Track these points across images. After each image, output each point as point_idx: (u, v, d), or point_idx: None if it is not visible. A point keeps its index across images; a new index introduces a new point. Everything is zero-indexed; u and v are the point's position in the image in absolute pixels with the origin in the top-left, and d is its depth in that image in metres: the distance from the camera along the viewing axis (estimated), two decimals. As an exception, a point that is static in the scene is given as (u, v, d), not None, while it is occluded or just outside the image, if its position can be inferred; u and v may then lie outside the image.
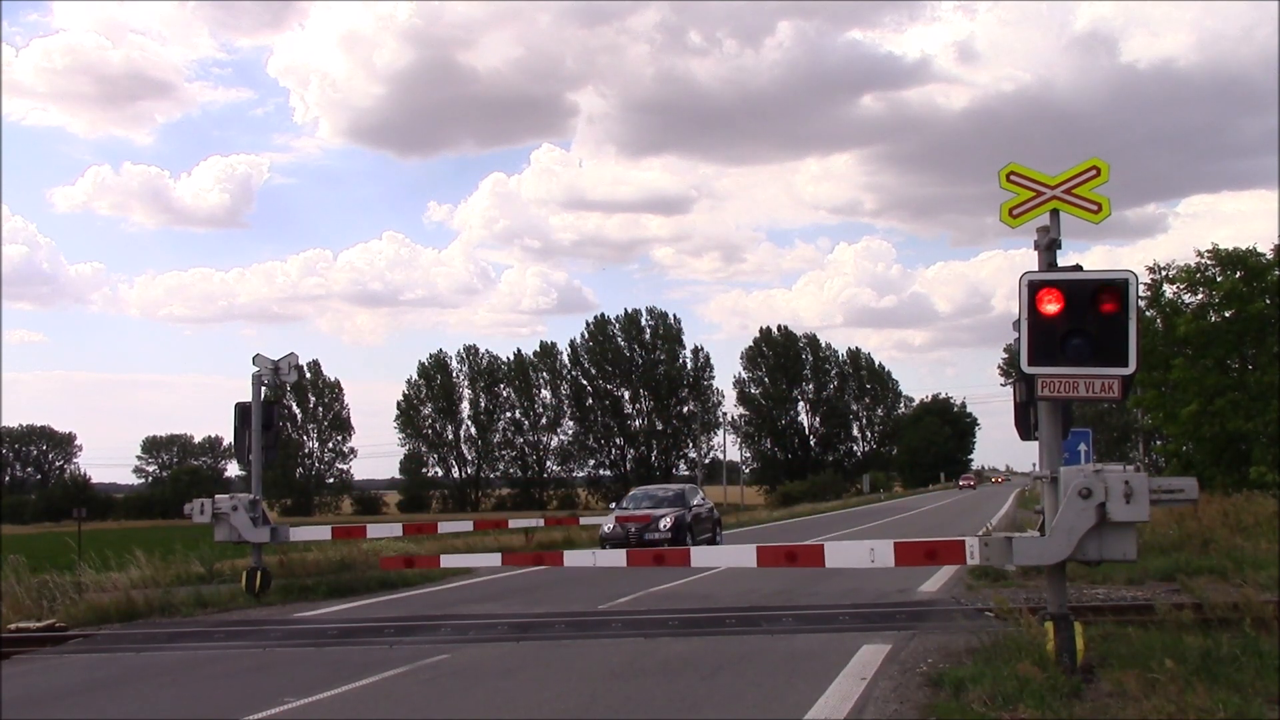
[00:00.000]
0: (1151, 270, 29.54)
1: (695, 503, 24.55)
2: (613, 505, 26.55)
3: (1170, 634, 8.42)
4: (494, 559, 13.93)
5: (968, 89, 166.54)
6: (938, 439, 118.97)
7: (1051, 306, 7.49)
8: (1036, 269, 7.82)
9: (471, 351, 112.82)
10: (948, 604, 12.52)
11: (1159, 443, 44.79)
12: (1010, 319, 7.75)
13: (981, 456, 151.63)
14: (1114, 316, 7.41)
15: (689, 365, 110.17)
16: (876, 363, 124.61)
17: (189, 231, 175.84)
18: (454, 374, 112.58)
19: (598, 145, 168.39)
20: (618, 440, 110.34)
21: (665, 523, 21.97)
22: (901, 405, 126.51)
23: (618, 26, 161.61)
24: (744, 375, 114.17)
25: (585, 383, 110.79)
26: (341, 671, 9.56)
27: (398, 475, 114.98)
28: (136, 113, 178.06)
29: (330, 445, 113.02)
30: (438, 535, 23.28)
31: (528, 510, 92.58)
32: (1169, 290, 29.59)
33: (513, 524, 26.50)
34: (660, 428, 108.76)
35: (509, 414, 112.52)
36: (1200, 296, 28.97)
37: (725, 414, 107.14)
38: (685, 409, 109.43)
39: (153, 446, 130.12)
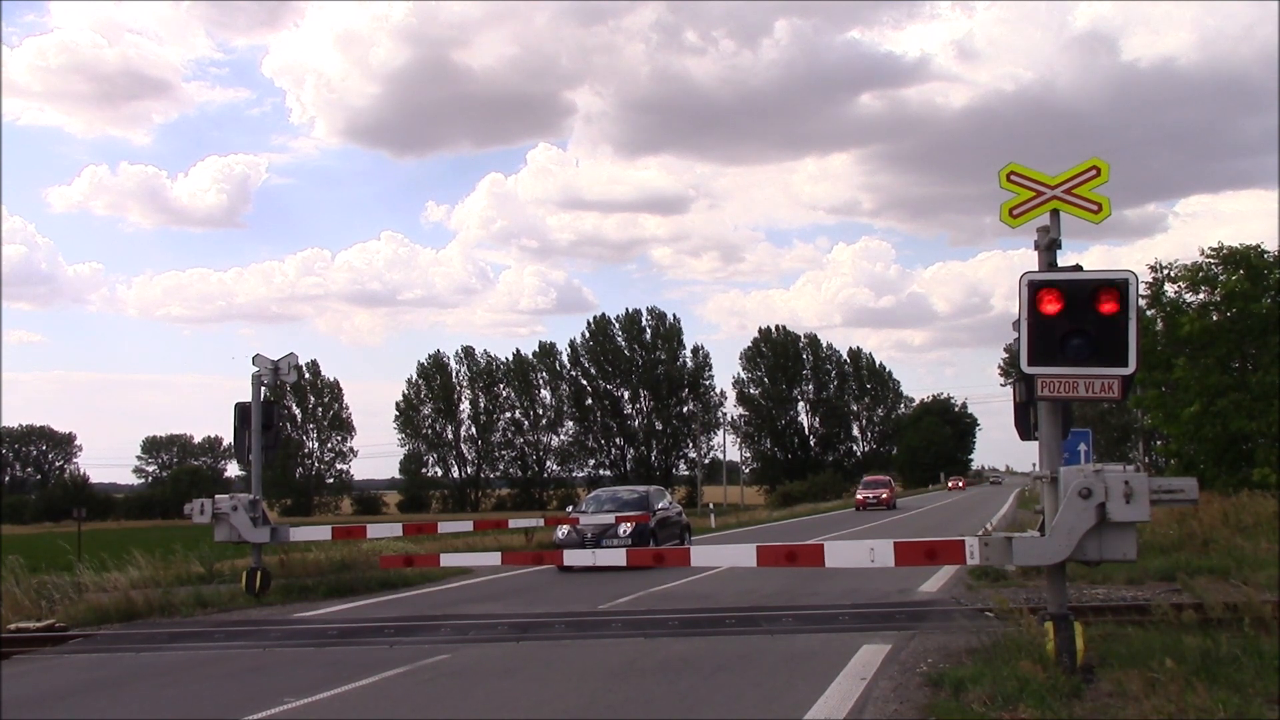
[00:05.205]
0: (1153, 269, 29.46)
1: (660, 506, 22.77)
2: (569, 508, 24.60)
3: (1170, 634, 8.42)
4: (494, 559, 13.91)
5: (967, 88, 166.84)
6: (938, 439, 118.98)
7: (1051, 306, 7.49)
8: (1036, 269, 7.82)
9: (469, 352, 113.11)
10: (948, 604, 12.51)
11: (1159, 443, 44.73)
12: (1010, 319, 7.77)
13: (981, 456, 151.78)
14: (1114, 316, 7.42)
15: (689, 365, 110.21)
16: (876, 362, 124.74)
17: (186, 231, 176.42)
18: (453, 374, 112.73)
19: (594, 145, 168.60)
20: (618, 440, 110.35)
21: (625, 528, 20.20)
22: (901, 405, 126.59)
23: (614, 25, 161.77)
24: (743, 375, 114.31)
25: (585, 383, 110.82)
26: (341, 671, 9.55)
27: (398, 475, 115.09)
28: (133, 112, 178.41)
29: (330, 445, 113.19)
30: (438, 535, 23.23)
31: (528, 510, 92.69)
32: (1170, 290, 29.52)
33: (513, 524, 26.34)
34: (660, 428, 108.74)
35: (509, 414, 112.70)
36: (1202, 295, 28.87)
37: (725, 414, 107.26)
38: (685, 409, 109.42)
39: (153, 446, 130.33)
